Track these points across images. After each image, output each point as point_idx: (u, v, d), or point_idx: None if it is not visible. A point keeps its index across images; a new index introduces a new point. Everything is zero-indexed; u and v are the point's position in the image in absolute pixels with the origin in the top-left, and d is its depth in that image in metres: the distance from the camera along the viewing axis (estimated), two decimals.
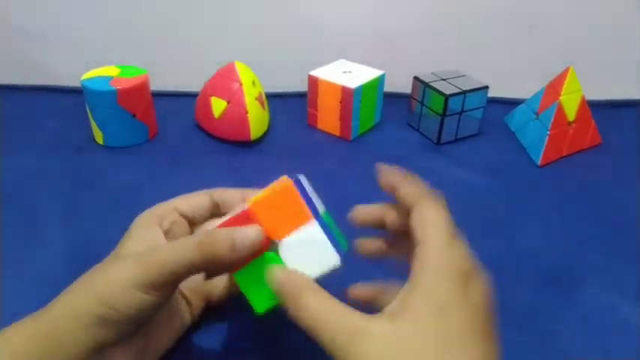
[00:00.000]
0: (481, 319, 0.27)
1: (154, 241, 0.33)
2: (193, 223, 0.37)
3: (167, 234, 0.34)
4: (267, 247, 0.30)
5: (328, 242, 0.30)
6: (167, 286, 0.30)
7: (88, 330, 0.29)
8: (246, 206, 0.31)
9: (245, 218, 0.30)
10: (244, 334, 0.38)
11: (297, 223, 0.30)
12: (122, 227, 0.46)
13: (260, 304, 0.31)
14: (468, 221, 0.49)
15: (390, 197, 0.33)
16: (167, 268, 0.29)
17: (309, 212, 0.30)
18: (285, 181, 0.31)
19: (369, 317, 0.26)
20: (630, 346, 0.37)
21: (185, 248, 0.29)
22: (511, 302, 0.40)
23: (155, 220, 0.34)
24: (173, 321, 0.35)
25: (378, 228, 0.34)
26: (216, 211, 0.37)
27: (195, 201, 0.36)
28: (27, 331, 0.29)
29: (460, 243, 0.29)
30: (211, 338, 0.37)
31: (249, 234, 0.30)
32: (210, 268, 0.30)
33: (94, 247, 0.44)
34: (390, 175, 0.34)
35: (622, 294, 0.42)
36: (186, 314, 0.36)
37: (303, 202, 0.30)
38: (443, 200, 0.31)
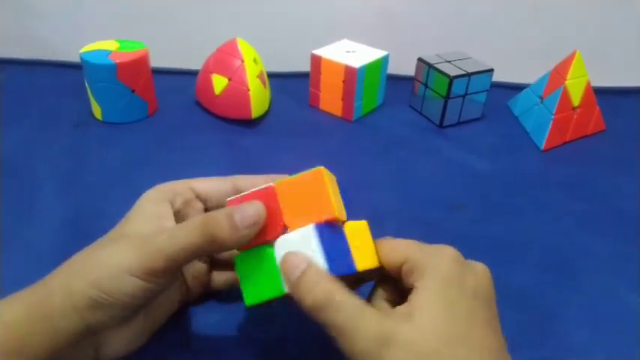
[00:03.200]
0: (482, 308, 0.28)
1: (160, 219, 0.31)
2: (208, 207, 0.35)
3: (178, 214, 0.33)
4: (279, 234, 0.28)
5: (323, 255, 0.27)
6: (167, 273, 0.29)
7: (81, 311, 0.28)
8: (272, 184, 0.29)
9: (266, 195, 0.28)
10: (238, 321, 0.37)
11: (315, 216, 0.28)
12: (119, 203, 0.46)
13: (249, 297, 0.29)
14: (471, 204, 0.49)
15: None
16: (168, 254, 0.28)
17: (331, 208, 0.28)
18: (319, 169, 0.28)
19: (390, 319, 0.26)
20: (630, 330, 0.37)
21: (187, 233, 0.28)
22: (512, 284, 0.40)
23: (166, 195, 0.33)
24: (168, 304, 0.34)
25: None
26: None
27: (214, 183, 0.34)
28: (20, 302, 0.28)
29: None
30: (203, 320, 0.37)
31: (250, 212, 0.28)
32: (214, 251, 0.29)
33: (91, 221, 0.45)
34: None
35: (623, 279, 0.42)
36: (180, 297, 0.35)
37: (329, 194, 0.27)
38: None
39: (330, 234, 0.28)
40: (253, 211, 0.28)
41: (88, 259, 0.30)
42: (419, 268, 0.28)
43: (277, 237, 0.28)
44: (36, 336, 0.27)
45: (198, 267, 0.35)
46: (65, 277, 0.29)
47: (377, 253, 0.31)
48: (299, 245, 0.27)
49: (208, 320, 0.36)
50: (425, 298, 0.27)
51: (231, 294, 0.37)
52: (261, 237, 0.29)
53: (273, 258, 0.28)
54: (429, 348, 0.25)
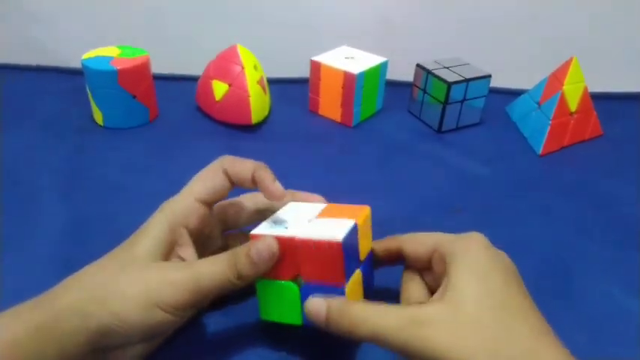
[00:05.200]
0: (517, 283, 0.29)
1: (179, 247, 0.33)
2: (211, 204, 0.36)
3: (193, 234, 0.34)
4: (294, 276, 0.32)
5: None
6: (195, 306, 0.30)
7: (93, 336, 0.28)
8: (296, 237, 0.31)
9: (288, 243, 0.31)
10: (246, 323, 0.37)
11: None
12: (120, 208, 0.47)
13: (266, 314, 0.33)
14: (469, 209, 0.50)
15: None
16: (198, 289, 0.29)
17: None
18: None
19: (419, 305, 0.28)
20: (629, 336, 0.37)
21: (218, 268, 0.30)
22: None
23: (178, 218, 0.33)
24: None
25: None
26: (233, 183, 0.36)
27: (213, 184, 0.35)
28: (27, 318, 0.28)
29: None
30: (212, 326, 0.37)
31: (260, 247, 0.30)
32: (238, 285, 0.31)
33: (92, 226, 0.45)
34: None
35: (621, 283, 0.42)
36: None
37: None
38: None
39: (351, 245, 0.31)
40: (264, 246, 0.30)
41: (105, 284, 0.29)
42: (448, 254, 0.30)
43: (291, 279, 0.32)
44: (42, 357, 0.27)
45: None
46: (77, 300, 0.29)
47: (403, 247, 0.34)
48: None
49: (210, 321, 0.37)
50: (459, 276, 0.28)
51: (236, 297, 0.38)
52: (278, 275, 0.32)
53: (296, 294, 0.32)
54: (469, 315, 0.26)
